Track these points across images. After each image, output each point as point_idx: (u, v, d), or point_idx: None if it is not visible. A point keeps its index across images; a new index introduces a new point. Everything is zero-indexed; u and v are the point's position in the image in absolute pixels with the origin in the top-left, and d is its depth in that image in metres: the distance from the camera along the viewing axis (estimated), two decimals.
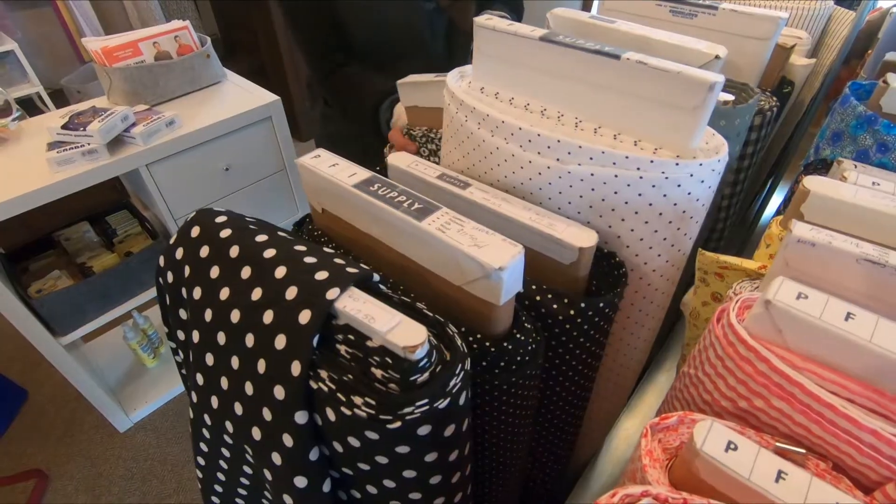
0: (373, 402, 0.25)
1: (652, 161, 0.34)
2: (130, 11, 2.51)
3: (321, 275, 0.28)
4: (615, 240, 0.39)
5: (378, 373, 0.26)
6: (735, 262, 0.39)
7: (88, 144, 1.15)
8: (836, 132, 0.45)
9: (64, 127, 1.15)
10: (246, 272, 0.30)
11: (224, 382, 0.30)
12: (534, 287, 0.36)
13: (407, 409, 0.24)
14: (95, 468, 1.46)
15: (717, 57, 0.49)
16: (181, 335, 0.36)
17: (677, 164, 0.34)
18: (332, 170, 0.37)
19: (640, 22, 0.59)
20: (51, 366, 1.28)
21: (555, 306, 0.35)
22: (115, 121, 1.19)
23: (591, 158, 0.36)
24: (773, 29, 0.51)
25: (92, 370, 1.50)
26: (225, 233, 0.33)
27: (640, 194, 0.36)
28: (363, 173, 0.37)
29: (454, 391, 0.26)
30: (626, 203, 0.36)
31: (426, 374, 0.25)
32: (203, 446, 0.35)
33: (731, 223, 0.61)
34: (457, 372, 0.26)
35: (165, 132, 1.27)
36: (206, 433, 0.34)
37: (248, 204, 1.52)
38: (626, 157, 0.35)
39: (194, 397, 0.33)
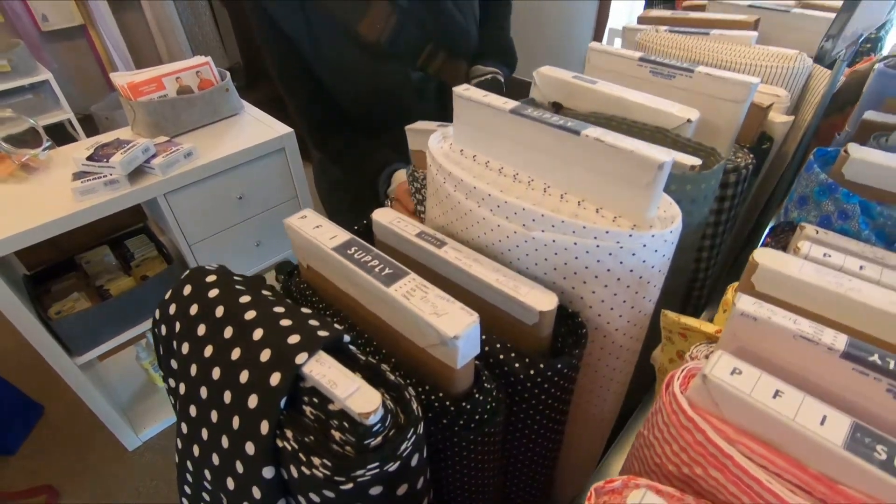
0: (329, 464, 0.27)
1: (607, 232, 0.36)
2: (159, 43, 2.64)
3: (293, 338, 0.31)
4: (578, 300, 0.41)
5: (337, 435, 0.29)
6: (695, 325, 0.40)
7: (111, 175, 1.22)
8: (802, 196, 0.47)
9: (89, 158, 1.22)
10: (228, 332, 0.33)
11: (204, 433, 0.33)
12: (498, 346, 0.39)
13: (359, 472, 0.27)
14: (104, 486, 1.49)
15: (688, 120, 0.52)
16: (172, 383, 0.39)
17: (630, 236, 0.36)
18: (315, 231, 0.40)
19: (622, 80, 0.62)
20: (66, 382, 1.33)
21: (517, 365, 0.37)
22: (137, 153, 1.25)
23: (552, 226, 0.38)
24: (745, 93, 0.53)
25: (104, 388, 1.55)
26: (213, 293, 0.36)
27: (598, 261, 0.38)
28: (343, 236, 0.40)
29: (405, 454, 0.28)
30: (587, 268, 0.39)
31: (379, 438, 0.28)
32: (187, 489, 0.38)
33: (712, 276, 0.63)
34: (409, 436, 0.28)
35: (183, 163, 1.33)
36: (188, 477, 0.37)
37: (260, 231, 1.57)
38: (584, 227, 0.37)
39: (179, 444, 0.36)
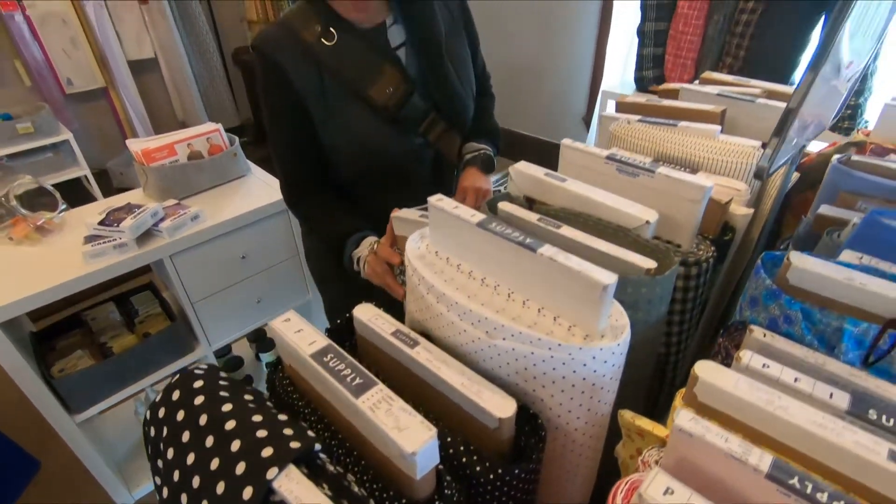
0: None
1: (560, 344, 0.40)
2: (175, 102, 2.79)
3: (266, 451, 0.34)
4: (539, 402, 0.44)
5: None
6: (648, 428, 0.43)
7: (120, 238, 1.28)
8: (752, 297, 0.50)
9: (100, 223, 1.28)
10: (209, 441, 0.36)
11: None
12: (462, 448, 0.41)
13: None
14: None
15: (647, 222, 0.56)
16: (158, 481, 0.41)
17: (580, 349, 0.39)
18: (296, 336, 0.44)
19: (591, 175, 0.67)
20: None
21: (478, 468, 0.40)
22: (146, 217, 1.32)
23: (512, 335, 0.42)
24: (700, 194, 0.58)
25: (101, 444, 1.56)
26: (199, 399, 0.39)
27: (553, 368, 0.41)
28: (321, 342, 0.43)
29: None
30: (544, 374, 0.42)
31: None
32: None
33: (684, 358, 0.66)
34: None
35: (190, 226, 1.39)
36: None
37: (261, 288, 1.61)
38: (539, 339, 0.40)
39: None
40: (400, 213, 0.72)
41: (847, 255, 0.51)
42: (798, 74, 1.91)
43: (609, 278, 0.39)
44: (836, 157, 0.71)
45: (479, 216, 0.47)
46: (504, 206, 0.63)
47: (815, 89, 0.47)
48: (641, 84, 2.29)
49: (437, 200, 0.50)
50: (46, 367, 1.36)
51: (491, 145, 1.03)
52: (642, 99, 0.94)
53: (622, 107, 0.94)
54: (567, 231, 0.57)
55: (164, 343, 1.47)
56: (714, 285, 0.71)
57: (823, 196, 0.69)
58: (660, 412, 0.70)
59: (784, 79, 1.88)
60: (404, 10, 0.89)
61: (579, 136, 3.06)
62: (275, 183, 1.64)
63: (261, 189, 1.60)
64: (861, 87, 1.71)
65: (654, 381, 0.68)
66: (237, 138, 1.65)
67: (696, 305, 0.63)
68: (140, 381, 1.46)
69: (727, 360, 0.49)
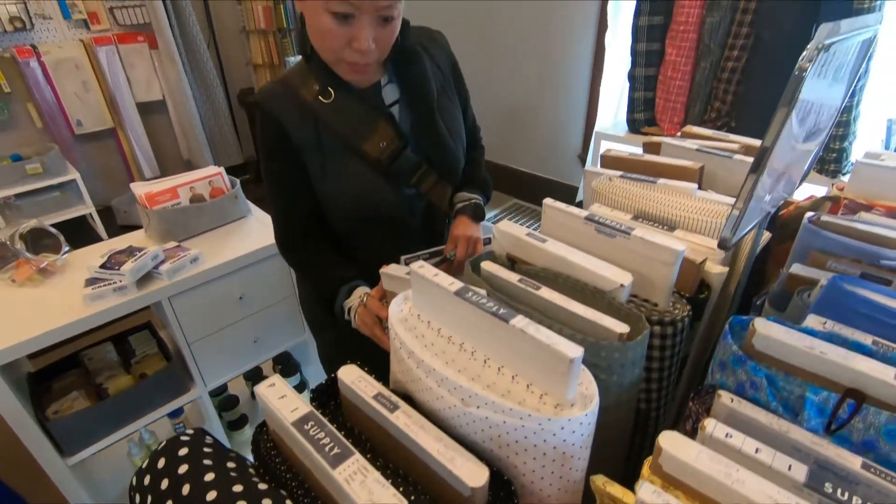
0: None
1: (530, 415, 0.42)
2: (181, 141, 2.87)
3: None
4: (513, 468, 0.45)
5: None
6: (619, 495, 0.44)
7: (120, 281, 1.30)
8: (721, 361, 0.52)
9: (101, 266, 1.31)
10: None
11: None
12: None
13: None
14: None
15: (621, 285, 0.59)
16: None
17: (549, 420, 0.41)
18: (279, 402, 0.46)
19: (572, 234, 0.70)
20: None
21: None
22: (146, 260, 1.35)
23: (485, 404, 0.44)
24: (673, 257, 0.60)
25: (92, 485, 1.54)
26: (182, 468, 0.41)
27: (525, 437, 0.43)
28: (303, 409, 0.45)
29: None
30: (516, 441, 0.43)
31: None
32: None
33: (665, 413, 0.67)
34: None
35: (189, 268, 1.42)
36: None
37: (258, 328, 1.63)
38: (511, 409, 0.42)
39: None
40: (388, 270, 0.75)
41: (811, 321, 0.53)
42: None
43: (575, 352, 0.41)
44: (807, 215, 0.73)
45: (458, 285, 0.49)
46: (487, 265, 0.66)
47: (772, 168, 0.50)
48: (633, 126, 2.36)
49: (419, 267, 0.52)
50: (41, 408, 1.37)
51: (481, 194, 1.06)
52: (625, 153, 0.98)
53: (606, 161, 0.98)
54: (546, 293, 0.59)
55: (160, 384, 1.48)
56: (693, 340, 0.72)
57: (796, 254, 0.72)
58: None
59: (769, 123, 1.94)
60: (398, 72, 0.93)
61: (575, 172, 3.12)
62: None
63: (260, 230, 1.64)
64: (845, 131, 1.76)
65: (636, 436, 0.69)
66: (238, 181, 1.70)
67: (674, 363, 0.65)
68: (134, 422, 1.46)
69: (697, 425, 0.50)
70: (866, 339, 0.49)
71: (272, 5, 2.76)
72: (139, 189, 1.54)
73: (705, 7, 1.93)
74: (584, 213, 0.69)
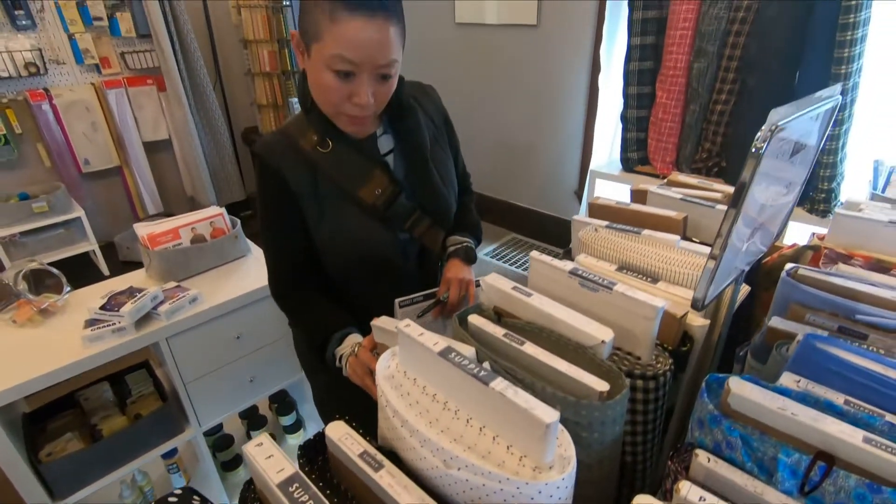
0: None
1: (508, 478, 0.43)
2: (185, 178, 2.93)
3: None
4: None
5: None
6: None
7: (119, 323, 1.32)
8: (699, 419, 0.53)
9: (101, 307, 1.33)
10: None
11: None
12: None
13: None
14: None
15: (602, 342, 0.61)
16: None
17: (527, 484, 0.42)
18: (266, 462, 0.47)
19: (557, 287, 0.72)
20: None
21: None
22: (146, 301, 1.37)
23: (466, 466, 0.45)
24: (653, 312, 0.62)
25: None
26: None
27: (504, 500, 0.44)
28: (289, 470, 0.46)
29: None
30: None
31: None
32: None
33: (650, 472, 0.67)
34: None
35: (188, 308, 1.44)
36: None
37: (255, 367, 1.63)
38: (490, 472, 0.44)
39: None
40: (379, 323, 0.77)
41: (786, 379, 0.54)
42: None
43: (551, 417, 0.42)
44: (786, 267, 0.76)
45: (442, 345, 0.51)
46: (474, 319, 0.68)
47: (738, 231, 0.53)
48: (627, 165, 2.41)
49: (405, 326, 0.54)
50: (35, 450, 1.36)
51: (472, 237, 1.10)
52: (612, 202, 1.01)
53: (594, 210, 1.01)
54: (529, 348, 0.61)
55: (155, 425, 1.47)
56: (679, 391, 0.73)
57: (777, 305, 0.74)
58: None
59: None
60: (393, 123, 0.98)
61: (572, 208, 3.16)
62: None
63: (258, 269, 1.66)
64: (832, 173, 1.80)
65: (623, 488, 0.70)
66: (238, 221, 1.73)
67: (658, 416, 0.66)
68: (128, 464, 1.45)
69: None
70: (838, 399, 0.51)
71: (276, 50, 2.87)
72: (142, 230, 1.58)
73: (692, 54, 2.01)
74: (568, 266, 0.72)
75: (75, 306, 1.48)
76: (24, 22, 2.32)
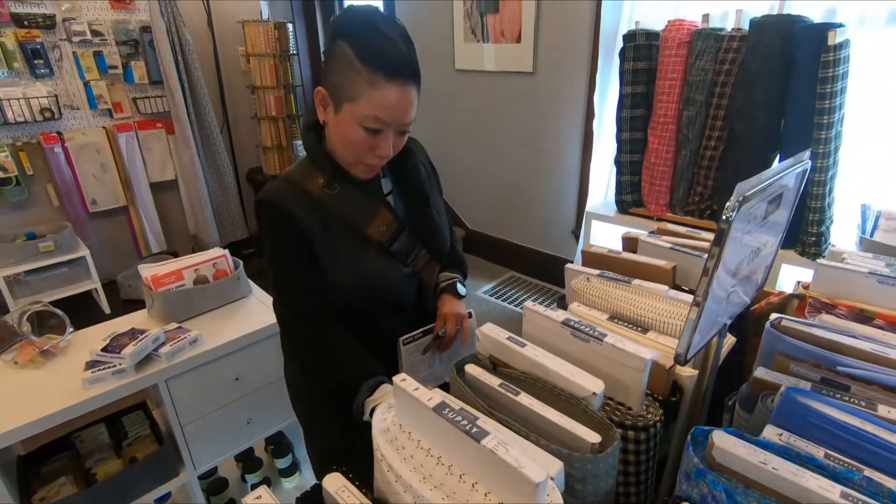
0: None
1: None
2: (189, 217, 2.99)
3: None
4: None
5: None
6: None
7: (120, 364, 1.33)
8: (686, 472, 0.55)
9: (103, 349, 1.35)
10: None
11: None
12: None
13: None
14: None
15: (594, 393, 0.63)
16: None
17: None
18: None
19: (551, 337, 0.74)
20: None
21: None
22: (147, 343, 1.38)
23: None
24: (642, 364, 0.64)
25: None
26: None
27: None
28: None
29: None
30: None
31: None
32: None
33: None
34: None
35: (188, 350, 1.45)
36: None
37: (252, 408, 1.63)
38: None
39: None
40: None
41: (769, 432, 0.56)
42: None
43: (539, 476, 0.44)
44: (771, 318, 0.78)
45: (436, 399, 0.53)
46: (470, 368, 0.70)
47: (718, 284, 0.56)
48: (622, 206, 2.47)
49: (401, 381, 0.57)
50: (28, 494, 1.35)
51: (459, 273, 1.18)
52: (604, 250, 1.04)
53: (587, 258, 1.05)
54: (524, 399, 0.63)
55: (150, 468, 1.46)
56: (672, 440, 0.75)
57: (762, 356, 0.76)
58: None
59: None
60: (393, 167, 1.05)
61: (569, 247, 3.21)
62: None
63: (260, 310, 1.68)
64: (821, 217, 1.85)
65: None
66: (241, 262, 1.77)
67: (650, 466, 0.67)
68: None
69: None
70: (819, 453, 0.53)
71: (283, 95, 2.98)
72: (146, 271, 1.61)
73: (681, 103, 2.09)
74: (561, 316, 0.74)
75: (77, 347, 1.49)
76: (42, 70, 2.43)
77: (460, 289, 1.13)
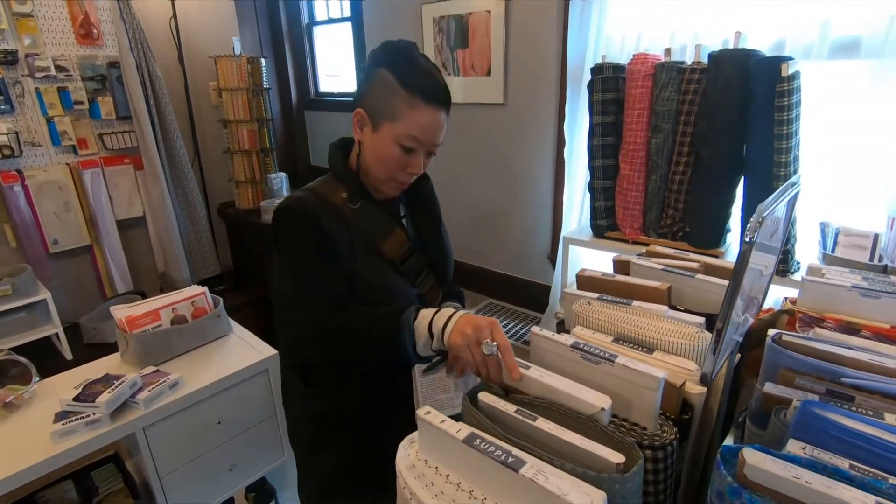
0: None
1: None
2: (158, 256, 2.88)
3: None
4: None
5: None
6: None
7: (94, 414, 1.25)
8: (718, 491, 0.55)
9: (76, 398, 1.26)
10: None
11: None
12: None
13: None
14: None
15: (602, 409, 0.62)
16: None
17: None
18: None
19: (560, 360, 0.74)
20: None
21: None
22: (124, 389, 1.30)
23: None
24: (654, 383, 0.65)
25: None
26: None
27: None
28: None
29: None
30: None
31: None
32: None
33: None
34: None
35: (168, 394, 1.38)
36: None
37: (235, 454, 1.55)
38: None
39: None
40: None
41: (792, 446, 0.57)
42: (732, 223, 2.17)
43: (583, 500, 0.43)
44: (770, 334, 0.81)
45: (465, 431, 0.52)
46: (484, 396, 0.69)
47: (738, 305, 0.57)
48: (597, 231, 2.53)
49: (425, 413, 0.55)
50: None
51: (459, 303, 1.20)
52: (598, 273, 1.06)
53: (581, 281, 1.06)
54: (542, 424, 0.62)
55: None
56: (684, 459, 0.75)
57: (767, 371, 0.78)
58: None
59: (717, 228, 2.13)
60: (408, 192, 1.09)
61: (546, 273, 3.25)
62: (256, 342, 1.67)
63: (242, 348, 1.62)
64: (787, 235, 1.95)
65: None
66: (221, 299, 1.71)
67: (668, 485, 0.67)
68: None
69: None
70: (843, 464, 0.54)
71: (256, 129, 2.96)
72: (119, 312, 1.53)
73: (650, 131, 2.19)
74: (570, 340, 0.75)
75: (42, 397, 1.39)
76: (2, 107, 2.33)
77: None
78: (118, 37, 2.52)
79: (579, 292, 0.98)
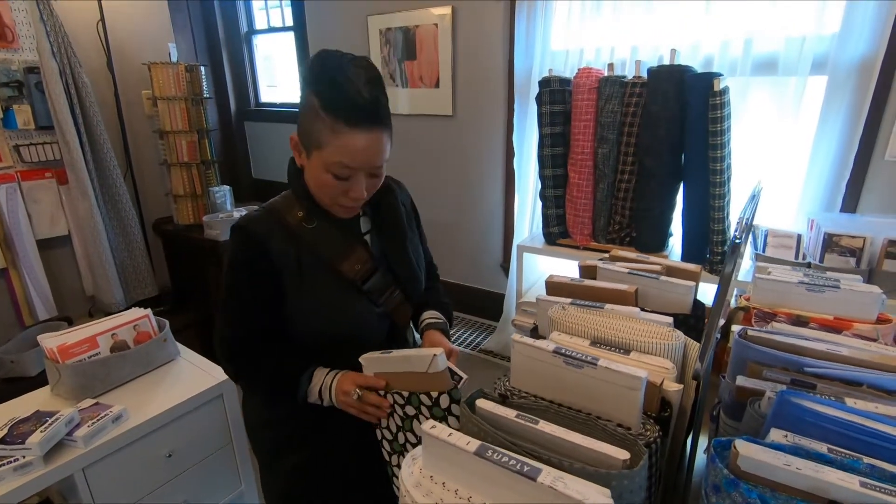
0: None
1: None
2: (85, 277, 2.64)
3: None
4: None
5: None
6: None
7: (25, 457, 1.11)
8: (714, 485, 0.57)
9: (1, 441, 1.12)
10: None
11: None
12: None
13: None
14: None
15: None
16: None
17: None
18: None
19: (542, 367, 0.74)
20: None
21: None
22: (59, 427, 1.18)
23: None
24: (637, 383, 0.67)
25: None
26: None
27: None
28: None
29: None
30: None
31: None
32: None
33: None
34: None
35: (111, 429, 1.26)
36: None
37: (188, 488, 1.43)
38: None
39: None
40: (366, 356, 0.88)
41: (775, 435, 0.60)
42: (673, 228, 2.31)
43: (600, 498, 0.43)
44: (736, 329, 0.85)
45: (475, 444, 0.51)
46: (482, 403, 0.68)
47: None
48: (549, 238, 2.60)
49: (431, 427, 0.53)
50: None
51: (442, 312, 1.18)
52: (566, 279, 1.09)
53: (552, 287, 1.08)
54: (545, 426, 0.62)
55: None
56: (664, 455, 0.77)
57: (735, 365, 0.82)
58: None
59: (661, 232, 2.26)
60: (373, 207, 1.06)
61: (500, 281, 3.30)
62: (208, 365, 1.57)
63: (192, 374, 1.51)
64: (723, 237, 2.09)
65: None
66: (167, 322, 1.59)
67: (654, 483, 0.68)
68: None
69: None
70: (822, 448, 0.57)
71: (196, 140, 2.80)
72: (48, 342, 1.38)
73: (596, 141, 2.29)
74: (551, 345, 0.75)
75: None
76: None
77: (447, 329, 1.14)
78: (38, 40, 2.31)
79: (552, 298, 0.99)
